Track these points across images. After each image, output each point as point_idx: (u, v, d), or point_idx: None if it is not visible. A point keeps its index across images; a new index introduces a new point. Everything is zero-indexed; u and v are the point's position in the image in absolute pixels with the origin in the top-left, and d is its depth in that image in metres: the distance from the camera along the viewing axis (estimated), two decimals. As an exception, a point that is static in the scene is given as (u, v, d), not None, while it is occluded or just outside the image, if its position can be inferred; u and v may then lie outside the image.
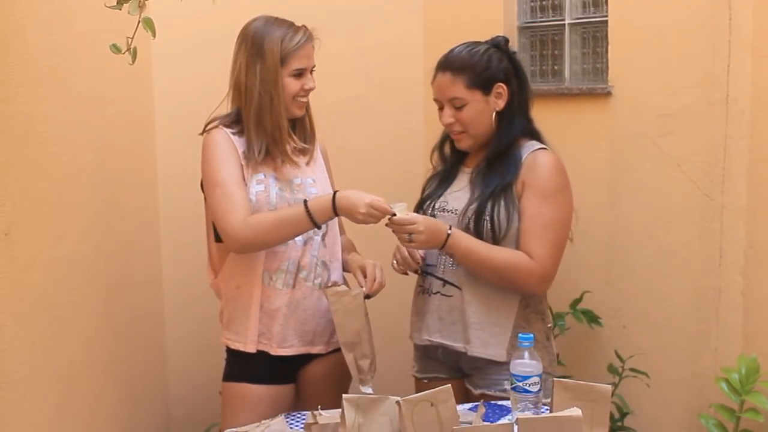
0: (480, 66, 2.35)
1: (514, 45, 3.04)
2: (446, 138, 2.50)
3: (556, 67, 3.08)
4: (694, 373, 2.64)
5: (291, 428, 2.12)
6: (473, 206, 2.32)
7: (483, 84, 2.35)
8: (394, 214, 2.21)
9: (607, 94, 2.78)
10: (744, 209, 2.48)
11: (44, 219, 2.06)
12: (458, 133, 2.39)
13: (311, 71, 2.37)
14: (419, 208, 2.46)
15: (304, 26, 2.36)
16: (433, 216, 2.39)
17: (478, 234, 2.30)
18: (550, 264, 2.30)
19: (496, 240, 2.30)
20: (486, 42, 2.42)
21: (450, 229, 2.27)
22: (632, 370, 2.67)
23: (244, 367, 2.36)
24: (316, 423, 1.99)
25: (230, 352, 2.41)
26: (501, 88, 2.36)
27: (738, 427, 2.40)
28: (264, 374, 2.35)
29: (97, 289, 2.45)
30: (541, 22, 3.09)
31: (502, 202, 2.30)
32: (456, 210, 2.37)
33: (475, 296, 2.33)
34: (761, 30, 2.39)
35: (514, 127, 2.37)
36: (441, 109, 2.40)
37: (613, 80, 2.77)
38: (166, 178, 3.09)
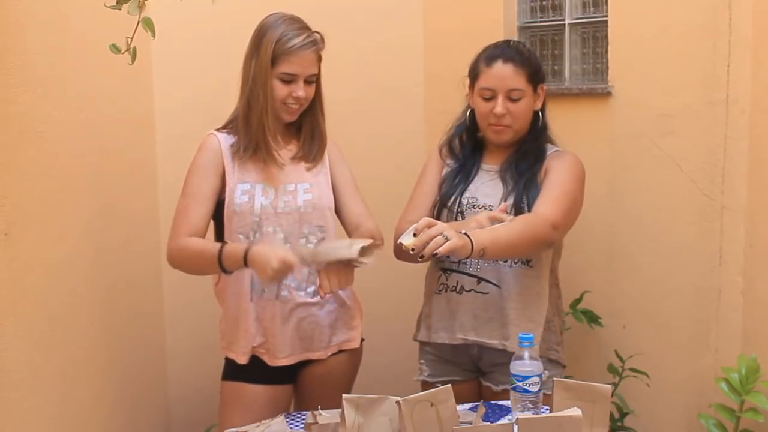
0: (536, 64, 2.42)
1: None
2: (457, 134, 2.50)
3: (556, 67, 3.08)
4: (694, 373, 2.64)
5: (291, 428, 2.12)
6: (510, 200, 2.35)
7: (536, 82, 2.40)
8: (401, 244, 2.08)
9: (607, 94, 2.78)
10: (744, 209, 2.48)
11: (44, 219, 2.06)
12: (504, 126, 2.38)
13: (308, 80, 2.29)
14: (443, 205, 2.43)
15: (313, 32, 2.30)
16: (461, 212, 2.39)
17: None
18: (557, 212, 2.27)
19: None
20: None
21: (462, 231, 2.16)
22: (632, 370, 2.67)
23: (241, 367, 2.36)
24: (316, 423, 1.99)
25: (228, 357, 2.41)
26: (542, 89, 2.43)
27: (738, 427, 2.40)
28: (261, 376, 2.34)
29: (97, 289, 2.45)
30: (541, 22, 3.09)
31: (534, 192, 2.34)
32: (490, 206, 2.37)
33: (512, 293, 2.35)
34: (761, 30, 2.38)
35: (546, 128, 2.45)
36: (488, 99, 2.37)
37: (613, 80, 2.77)
38: (165, 179, 3.09)
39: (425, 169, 2.55)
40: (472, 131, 2.49)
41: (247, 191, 2.30)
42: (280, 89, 2.27)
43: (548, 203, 2.29)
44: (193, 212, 2.29)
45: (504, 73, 2.35)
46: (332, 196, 2.39)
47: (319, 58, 2.33)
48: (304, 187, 2.34)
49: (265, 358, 2.33)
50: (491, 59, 2.38)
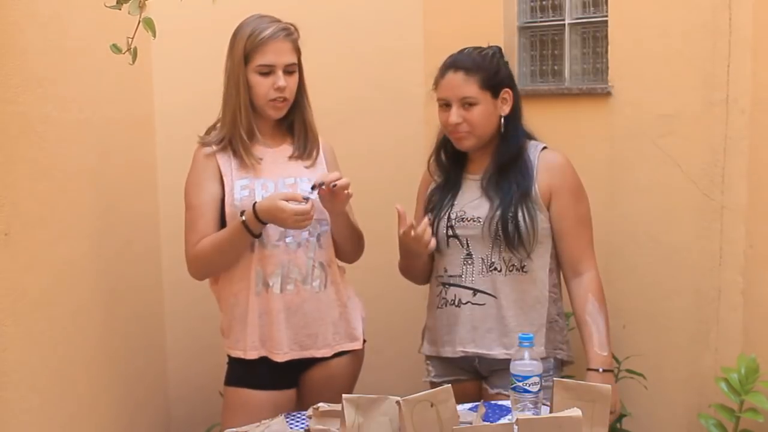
0: (492, 69, 2.39)
1: (513, 45, 3.08)
2: (441, 146, 2.51)
3: (556, 67, 3.07)
4: (694, 373, 2.63)
5: (291, 428, 2.12)
6: (497, 215, 2.34)
7: (493, 87, 2.38)
8: (308, 198, 2.20)
9: (607, 94, 2.77)
10: (744, 209, 2.47)
11: (44, 219, 2.05)
12: (463, 134, 2.38)
13: (287, 70, 2.31)
14: (438, 217, 2.43)
15: (285, 23, 2.32)
16: (452, 226, 2.40)
17: (508, 241, 2.33)
18: (592, 258, 2.42)
19: (525, 245, 2.34)
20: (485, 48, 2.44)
21: None
22: (628, 371, 2.66)
23: (245, 372, 2.36)
24: (318, 409, 2.02)
25: (231, 358, 2.41)
26: (507, 93, 2.40)
27: (738, 427, 2.40)
28: (265, 380, 2.34)
29: (97, 289, 2.45)
30: (541, 22, 3.09)
31: (525, 209, 2.34)
32: (479, 218, 2.37)
33: (510, 301, 2.37)
34: (761, 30, 2.38)
35: (519, 133, 2.43)
36: (445, 109, 2.39)
37: (613, 80, 2.77)
38: (166, 179, 3.09)
39: (419, 192, 2.58)
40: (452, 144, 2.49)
41: (246, 186, 2.32)
42: (261, 84, 2.29)
43: (584, 259, 2.40)
44: (198, 222, 2.33)
45: (453, 82, 2.36)
46: None
47: (296, 49, 2.34)
48: (304, 181, 2.35)
49: (269, 354, 2.33)
50: (444, 69, 2.40)
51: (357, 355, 2.45)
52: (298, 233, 2.32)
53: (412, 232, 2.28)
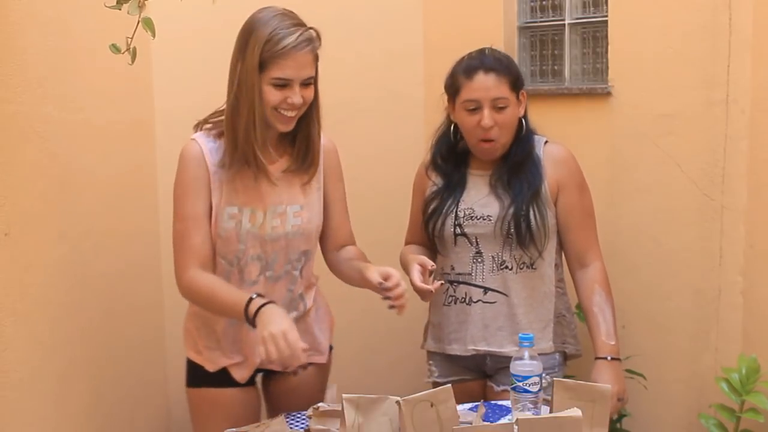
0: (516, 70, 2.39)
1: (514, 45, 3.09)
2: (437, 152, 2.47)
3: (556, 67, 3.08)
4: (694, 373, 2.64)
5: (291, 428, 2.12)
6: (510, 213, 2.33)
7: (517, 88, 2.37)
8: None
9: (607, 94, 2.78)
10: (744, 209, 2.48)
11: (44, 219, 2.06)
12: (493, 138, 2.33)
13: (304, 83, 2.05)
14: (444, 216, 2.39)
15: (308, 29, 2.05)
16: (460, 225, 2.37)
17: (520, 240, 2.33)
18: (597, 249, 2.43)
19: (537, 244, 2.34)
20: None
21: None
22: (628, 371, 2.66)
23: (207, 372, 2.23)
24: (318, 409, 2.01)
25: (191, 360, 2.26)
26: (523, 95, 2.40)
27: (738, 427, 2.40)
28: (227, 378, 2.22)
29: (96, 289, 2.45)
30: (541, 22, 3.09)
31: (537, 209, 2.34)
32: (489, 216, 2.35)
33: (521, 298, 2.37)
34: (761, 30, 2.38)
35: (530, 133, 2.43)
36: (473, 112, 2.33)
37: (613, 80, 2.77)
38: (165, 179, 3.08)
39: (415, 191, 2.55)
40: (454, 145, 2.47)
41: (234, 216, 2.12)
42: (273, 94, 2.02)
43: (590, 250, 2.40)
44: (194, 238, 2.10)
45: (487, 84, 2.31)
46: (321, 217, 2.24)
47: (316, 58, 2.09)
48: (294, 209, 2.17)
49: (233, 372, 2.22)
50: (471, 71, 2.33)
51: (322, 366, 2.35)
52: (280, 267, 2.17)
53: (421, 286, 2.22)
